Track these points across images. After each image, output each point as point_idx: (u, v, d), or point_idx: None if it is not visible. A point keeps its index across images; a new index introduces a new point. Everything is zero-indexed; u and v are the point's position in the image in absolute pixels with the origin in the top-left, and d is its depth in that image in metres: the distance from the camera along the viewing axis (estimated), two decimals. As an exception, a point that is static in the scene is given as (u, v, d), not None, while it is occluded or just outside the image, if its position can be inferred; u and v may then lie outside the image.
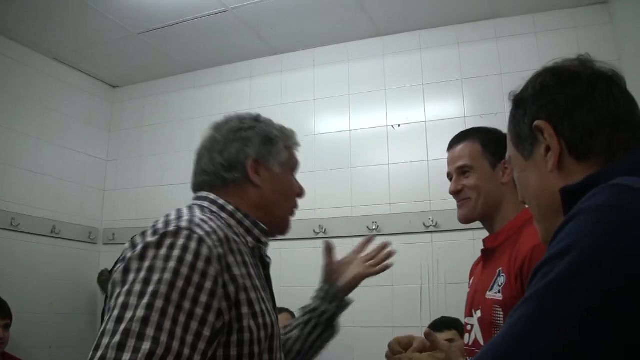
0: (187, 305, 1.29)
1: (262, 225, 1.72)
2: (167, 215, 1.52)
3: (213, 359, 1.37)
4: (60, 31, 4.55)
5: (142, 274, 1.31)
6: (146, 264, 1.33)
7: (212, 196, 1.69)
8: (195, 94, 5.26)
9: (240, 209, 1.68)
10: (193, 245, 1.36)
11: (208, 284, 1.34)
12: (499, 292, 1.95)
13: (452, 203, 3.65)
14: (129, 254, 1.39)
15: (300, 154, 4.45)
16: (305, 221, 4.36)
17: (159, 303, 1.25)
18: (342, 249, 4.21)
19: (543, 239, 1.24)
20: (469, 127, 3.92)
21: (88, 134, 5.38)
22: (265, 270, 1.77)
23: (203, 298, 1.32)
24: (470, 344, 2.08)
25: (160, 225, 1.45)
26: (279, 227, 1.86)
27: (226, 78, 5.13)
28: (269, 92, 4.90)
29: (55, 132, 5.01)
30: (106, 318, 1.27)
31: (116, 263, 1.44)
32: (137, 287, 1.28)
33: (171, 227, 1.41)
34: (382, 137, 4.37)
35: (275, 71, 4.93)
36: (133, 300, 1.26)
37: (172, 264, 1.32)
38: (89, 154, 5.35)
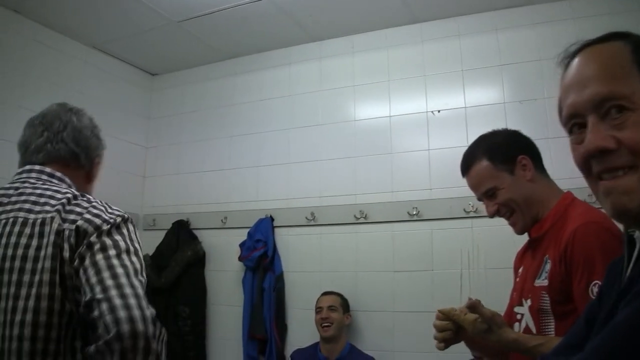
0: None
1: None
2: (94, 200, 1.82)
3: None
4: (100, 20, 4.66)
5: None
6: None
7: (67, 180, 1.95)
8: (234, 82, 5.36)
9: None
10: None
11: None
12: (546, 278, 2.00)
13: (493, 189, 3.75)
14: None
15: (340, 140, 4.57)
16: (346, 207, 4.51)
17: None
18: (382, 234, 4.34)
19: None
20: (508, 113, 4.05)
21: (128, 121, 5.53)
22: None
23: None
24: (521, 333, 2.09)
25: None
26: None
27: (265, 65, 5.22)
28: (308, 79, 4.99)
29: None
30: None
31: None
32: None
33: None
34: (422, 123, 4.43)
35: (314, 58, 5.00)
36: None
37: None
38: (129, 141, 5.49)
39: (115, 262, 1.65)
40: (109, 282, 1.59)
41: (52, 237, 1.66)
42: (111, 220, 1.73)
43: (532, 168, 2.18)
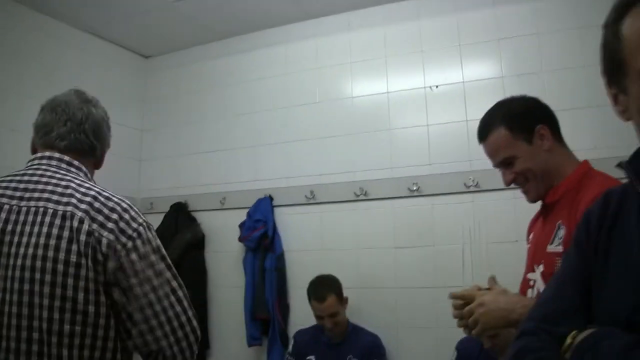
0: None
1: None
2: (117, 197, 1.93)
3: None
4: (92, 3, 4.66)
5: None
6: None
7: (84, 168, 2.07)
8: (230, 61, 5.37)
9: None
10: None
11: None
12: (560, 244, 2.00)
13: (493, 163, 3.78)
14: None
15: (338, 118, 4.60)
16: (345, 184, 4.54)
17: None
18: (383, 211, 4.37)
19: None
20: (507, 86, 4.07)
21: (123, 105, 5.52)
22: None
23: None
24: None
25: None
26: None
27: (261, 44, 5.22)
28: (304, 57, 5.00)
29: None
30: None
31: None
32: None
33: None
34: (421, 98, 4.45)
35: (310, 36, 5.01)
36: None
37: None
38: (124, 125, 5.48)
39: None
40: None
41: (83, 237, 1.77)
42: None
43: (550, 138, 2.17)
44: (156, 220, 5.21)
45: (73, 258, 1.73)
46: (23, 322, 1.71)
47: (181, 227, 5.07)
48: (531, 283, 2.17)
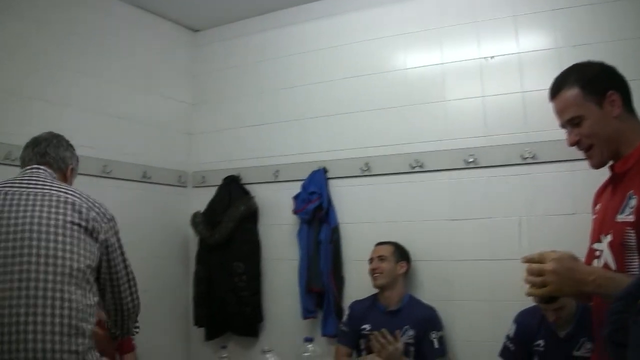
0: None
1: None
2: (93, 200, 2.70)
3: None
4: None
5: None
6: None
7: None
8: (280, 34, 5.40)
9: None
10: None
11: None
12: (631, 214, 2.01)
13: (550, 134, 3.80)
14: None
15: (392, 90, 4.61)
16: (400, 156, 4.57)
17: None
18: (439, 183, 4.41)
19: None
20: (563, 58, 4.06)
21: (172, 79, 5.64)
22: None
23: None
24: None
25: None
26: None
27: (310, 16, 5.23)
28: (356, 28, 4.99)
29: (139, 78, 5.26)
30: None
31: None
32: None
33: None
34: (476, 69, 4.43)
35: (362, 7, 5.00)
36: None
37: None
38: (174, 99, 5.61)
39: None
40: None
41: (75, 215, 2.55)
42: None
43: (620, 105, 2.18)
44: (209, 194, 5.35)
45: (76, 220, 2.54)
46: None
47: (235, 200, 5.13)
48: (597, 253, 2.19)
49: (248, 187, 5.26)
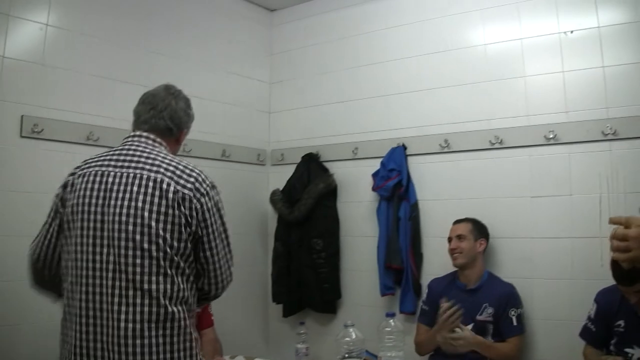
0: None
1: None
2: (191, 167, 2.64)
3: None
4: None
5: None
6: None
7: (164, 143, 2.74)
8: (355, 12, 5.46)
9: None
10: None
11: None
12: None
13: (631, 110, 3.80)
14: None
15: (471, 65, 4.61)
16: (479, 132, 4.59)
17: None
18: (519, 159, 4.40)
19: None
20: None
21: (250, 58, 5.78)
22: None
23: None
24: None
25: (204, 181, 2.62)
26: None
27: (388, -7, 5.26)
28: (436, 5, 5.00)
29: (217, 58, 5.42)
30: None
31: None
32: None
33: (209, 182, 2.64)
34: (555, 44, 4.38)
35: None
36: None
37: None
38: (252, 78, 5.76)
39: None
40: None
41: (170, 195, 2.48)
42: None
43: None
44: (288, 171, 5.48)
45: (162, 209, 2.44)
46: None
47: (314, 177, 5.24)
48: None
49: (327, 164, 5.37)
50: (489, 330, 4.08)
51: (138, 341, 2.32)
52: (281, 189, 5.43)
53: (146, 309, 2.35)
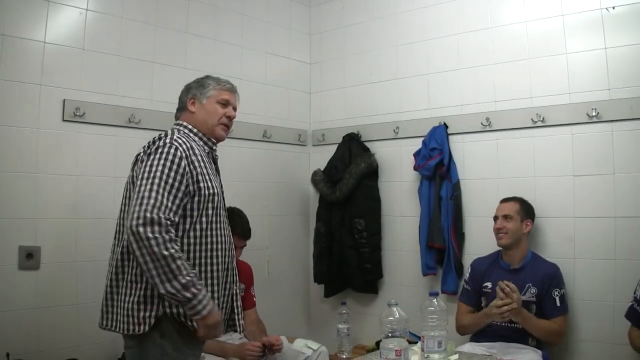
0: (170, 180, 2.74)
1: (210, 139, 3.14)
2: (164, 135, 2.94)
3: (185, 209, 2.83)
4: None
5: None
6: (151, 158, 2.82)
7: (184, 123, 3.11)
8: (397, -9, 5.49)
9: (193, 128, 3.10)
10: (173, 150, 2.80)
11: (180, 170, 2.78)
12: None
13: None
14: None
15: (511, 43, 4.61)
16: (522, 110, 4.61)
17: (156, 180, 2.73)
18: (561, 137, 4.41)
19: None
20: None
21: (289, 39, 5.89)
22: (215, 165, 3.18)
23: (177, 177, 2.77)
24: None
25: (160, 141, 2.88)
26: (213, 135, 3.14)
27: (429, -29, 5.28)
28: None
29: (257, 39, 5.53)
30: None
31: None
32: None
33: (164, 141, 2.85)
34: (597, 20, 4.35)
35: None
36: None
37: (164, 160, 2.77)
38: (292, 58, 5.87)
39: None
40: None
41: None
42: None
43: None
44: (329, 152, 5.58)
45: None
46: None
47: (355, 157, 5.32)
48: None
49: (368, 144, 5.44)
50: (532, 310, 4.11)
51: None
52: (322, 169, 5.54)
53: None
